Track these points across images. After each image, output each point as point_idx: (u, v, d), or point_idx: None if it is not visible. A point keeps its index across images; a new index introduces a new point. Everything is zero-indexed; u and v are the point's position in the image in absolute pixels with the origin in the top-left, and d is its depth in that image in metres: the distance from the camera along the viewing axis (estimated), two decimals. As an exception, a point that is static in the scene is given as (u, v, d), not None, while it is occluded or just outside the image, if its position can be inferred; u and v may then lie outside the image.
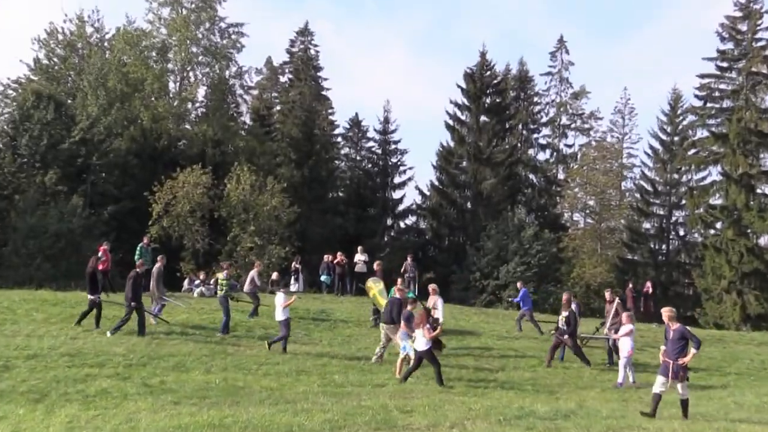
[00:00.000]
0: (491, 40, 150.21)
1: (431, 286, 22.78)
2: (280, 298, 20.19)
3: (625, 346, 18.90)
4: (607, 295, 23.57)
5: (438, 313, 21.32)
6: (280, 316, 20.05)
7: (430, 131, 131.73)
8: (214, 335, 21.52)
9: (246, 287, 25.92)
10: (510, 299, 27.36)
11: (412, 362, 17.12)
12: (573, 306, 21.68)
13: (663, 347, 14.48)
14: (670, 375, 14.04)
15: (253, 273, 25.91)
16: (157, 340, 19.97)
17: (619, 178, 63.05)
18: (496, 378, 18.50)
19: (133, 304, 20.38)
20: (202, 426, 11.27)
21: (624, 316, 19.46)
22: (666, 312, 14.52)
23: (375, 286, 23.94)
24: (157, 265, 23.71)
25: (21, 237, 38.44)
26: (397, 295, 19.66)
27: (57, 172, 41.49)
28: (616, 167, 63.02)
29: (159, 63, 52.71)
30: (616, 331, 20.06)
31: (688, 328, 14.74)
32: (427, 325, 16.92)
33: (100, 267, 28.77)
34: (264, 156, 51.76)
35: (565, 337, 20.78)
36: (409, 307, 18.03)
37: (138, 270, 21.05)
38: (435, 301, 21.97)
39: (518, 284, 29.63)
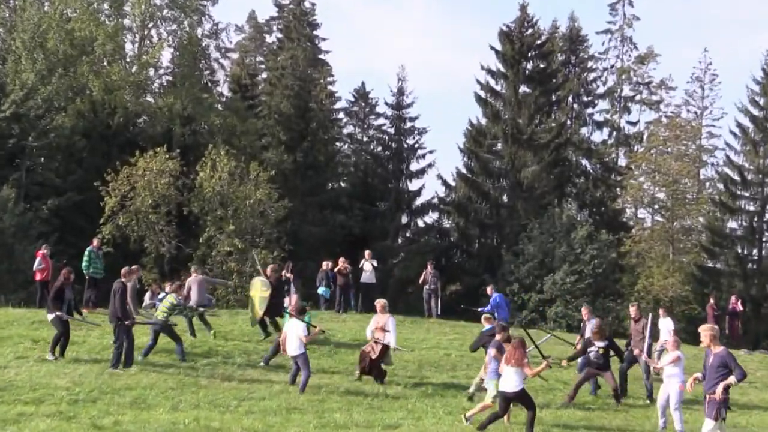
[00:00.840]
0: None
1: (379, 303, 21.89)
2: (296, 327, 19.65)
3: (672, 382, 18.01)
4: (632, 311, 23.54)
5: (390, 338, 21.08)
6: (296, 349, 19.52)
7: (457, 105, 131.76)
8: (183, 363, 21.46)
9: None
10: (480, 310, 26.89)
11: (497, 406, 16.78)
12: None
13: (697, 374, 14.32)
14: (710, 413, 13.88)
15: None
16: (110, 369, 19.92)
17: (697, 165, 62.73)
18: (541, 418, 18.39)
19: (128, 322, 20.23)
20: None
21: (671, 340, 19.12)
22: (707, 332, 14.20)
23: (259, 291, 24.40)
24: (132, 281, 23.41)
25: (-65, 239, 38.62)
26: (487, 326, 20.66)
27: (-18, 156, 41.69)
28: (693, 150, 62.65)
29: (112, 18, 52.81)
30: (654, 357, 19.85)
31: (733, 353, 14.41)
32: (526, 360, 16.52)
33: (38, 277, 28.92)
34: (246, 136, 51.82)
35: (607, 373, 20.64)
36: (498, 336, 18.17)
37: (124, 280, 20.91)
38: (386, 322, 21.44)
39: (488, 289, 29.62)
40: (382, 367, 21.16)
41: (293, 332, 19.52)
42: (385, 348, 20.89)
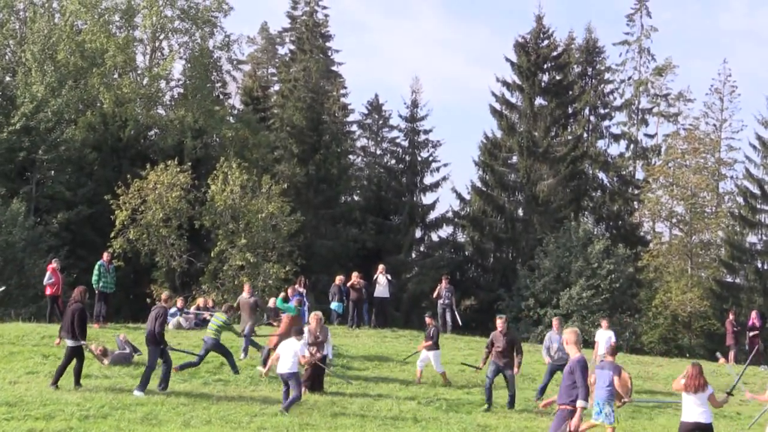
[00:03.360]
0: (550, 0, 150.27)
1: (313, 315, 22.51)
2: (293, 346, 19.52)
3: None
4: (499, 323, 23.80)
5: (328, 349, 22.21)
6: (289, 368, 19.23)
7: (471, 118, 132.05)
8: (194, 378, 21.52)
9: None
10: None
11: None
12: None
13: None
14: None
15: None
16: (121, 385, 19.99)
17: (716, 178, 62.60)
18: (533, 427, 18.44)
19: (163, 347, 20.19)
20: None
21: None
22: (568, 335, 13.66)
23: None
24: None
25: (-55, 252, 38.78)
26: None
27: (-8, 169, 41.86)
28: (712, 164, 62.58)
29: (123, 30, 52.98)
30: None
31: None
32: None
33: (49, 291, 29.05)
34: (258, 149, 51.92)
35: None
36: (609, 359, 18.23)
37: (165, 305, 20.86)
38: (326, 334, 22.30)
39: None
40: (324, 378, 21.86)
41: (289, 350, 19.31)
42: (323, 360, 21.78)
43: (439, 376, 24.36)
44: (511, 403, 21.19)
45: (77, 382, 19.54)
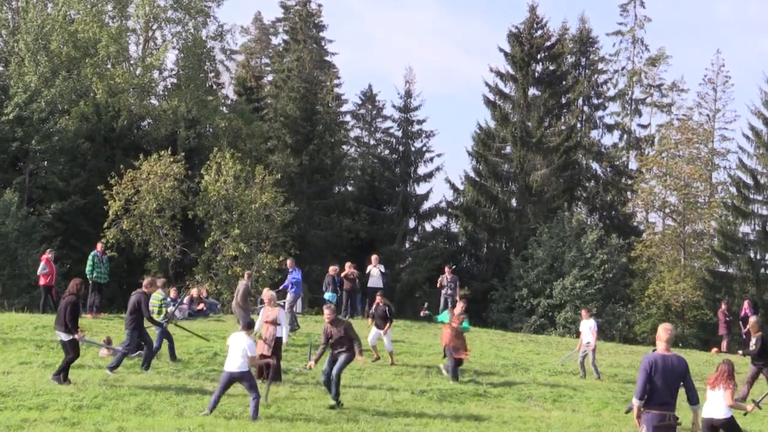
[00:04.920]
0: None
1: (266, 294, 22.34)
2: (241, 342, 17.50)
3: None
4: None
5: (283, 332, 21.78)
6: (239, 366, 17.25)
7: (465, 108, 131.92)
8: (187, 368, 21.53)
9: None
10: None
11: None
12: None
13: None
14: None
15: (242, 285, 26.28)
16: (114, 375, 19.99)
17: (709, 168, 62.67)
18: (549, 424, 18.45)
19: (155, 328, 20.29)
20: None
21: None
22: None
23: None
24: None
25: (-62, 243, 38.74)
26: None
27: (-15, 159, 41.81)
28: (705, 154, 62.62)
29: (116, 20, 52.85)
30: None
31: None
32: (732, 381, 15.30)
33: (42, 282, 29.04)
34: (252, 140, 51.90)
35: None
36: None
37: (146, 290, 20.95)
38: (276, 315, 21.47)
39: (288, 261, 29.77)
40: (280, 366, 21.25)
41: (238, 347, 17.34)
42: (278, 342, 21.32)
43: (388, 356, 24.82)
44: (336, 397, 18.68)
45: (65, 377, 19.20)
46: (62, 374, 18.98)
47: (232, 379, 17.15)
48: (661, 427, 12.01)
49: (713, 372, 15.77)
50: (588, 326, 25.72)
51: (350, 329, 19.35)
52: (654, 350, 12.43)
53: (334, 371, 18.66)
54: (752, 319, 24.37)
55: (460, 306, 24.36)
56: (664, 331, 12.45)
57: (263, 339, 21.00)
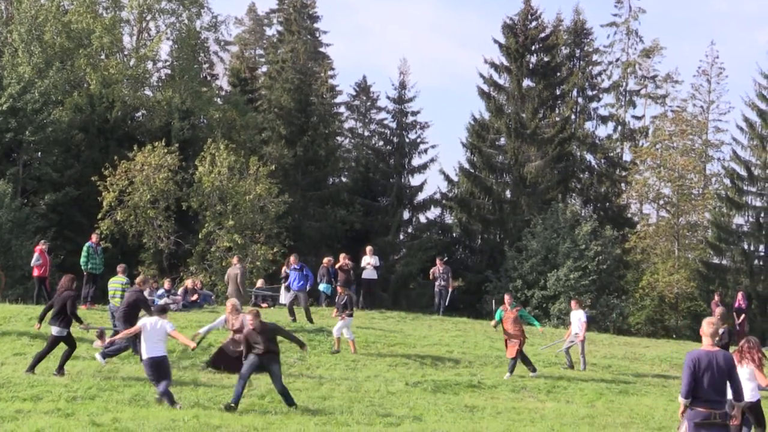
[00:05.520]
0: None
1: (229, 303, 21.67)
2: (161, 327, 17.04)
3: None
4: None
5: (206, 327, 21.48)
6: (154, 350, 16.88)
7: (459, 99, 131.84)
8: (182, 359, 21.53)
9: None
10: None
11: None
12: None
13: None
14: None
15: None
16: (109, 366, 19.98)
17: (703, 160, 62.73)
18: (543, 414, 18.48)
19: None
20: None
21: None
22: None
23: None
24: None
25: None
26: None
27: (-22, 150, 41.74)
28: (699, 145, 62.70)
29: (110, 10, 52.74)
30: None
31: None
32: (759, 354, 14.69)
33: (36, 273, 29.00)
34: (246, 131, 51.85)
35: None
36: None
37: (140, 287, 20.94)
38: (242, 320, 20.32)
39: (291, 258, 29.66)
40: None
41: (156, 332, 16.91)
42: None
43: (361, 345, 24.93)
44: (290, 402, 17.31)
45: (60, 369, 19.20)
46: (60, 363, 19.14)
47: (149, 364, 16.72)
48: (703, 424, 11.71)
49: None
50: (577, 317, 25.86)
51: (274, 331, 17.83)
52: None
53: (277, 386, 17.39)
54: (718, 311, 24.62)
55: (507, 299, 25.50)
56: (707, 325, 12.02)
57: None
